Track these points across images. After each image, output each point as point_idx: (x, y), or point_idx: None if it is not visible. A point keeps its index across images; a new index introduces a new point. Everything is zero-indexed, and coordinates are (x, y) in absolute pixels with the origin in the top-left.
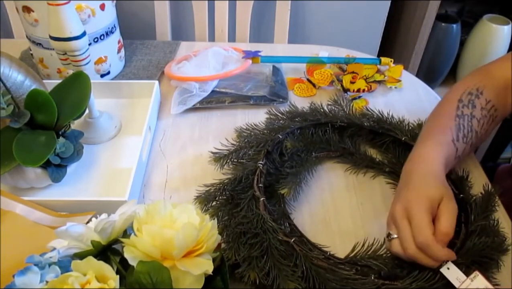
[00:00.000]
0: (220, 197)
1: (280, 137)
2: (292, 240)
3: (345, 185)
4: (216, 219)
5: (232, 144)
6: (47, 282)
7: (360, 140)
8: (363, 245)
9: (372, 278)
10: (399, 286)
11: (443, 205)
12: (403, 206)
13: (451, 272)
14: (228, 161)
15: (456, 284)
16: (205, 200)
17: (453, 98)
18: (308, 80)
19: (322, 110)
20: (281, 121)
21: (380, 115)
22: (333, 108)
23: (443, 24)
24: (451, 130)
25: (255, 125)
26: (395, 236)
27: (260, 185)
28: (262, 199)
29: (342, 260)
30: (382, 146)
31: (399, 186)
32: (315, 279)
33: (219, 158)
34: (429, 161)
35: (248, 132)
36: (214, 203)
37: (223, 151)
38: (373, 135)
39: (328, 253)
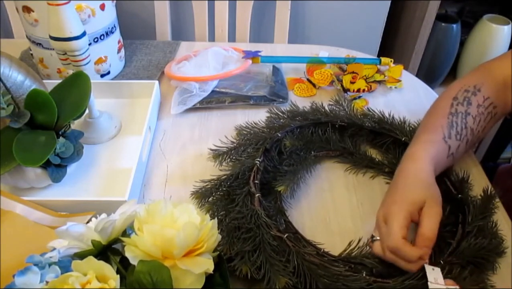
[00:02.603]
0: (216, 193)
1: (279, 135)
2: (285, 235)
3: (344, 185)
4: (211, 214)
5: (232, 141)
6: (47, 282)
7: (360, 140)
8: (358, 243)
9: (364, 275)
10: (390, 284)
11: (426, 208)
12: (384, 210)
13: (433, 273)
14: (227, 158)
15: (429, 284)
16: (202, 195)
17: (448, 96)
18: (308, 80)
19: (323, 109)
20: (281, 120)
21: (381, 116)
22: (334, 108)
23: (443, 24)
24: (442, 128)
25: (255, 123)
26: (378, 238)
27: (256, 181)
28: (257, 195)
29: (335, 258)
30: (383, 147)
31: (389, 188)
32: (306, 274)
33: (218, 155)
34: (416, 161)
35: (248, 130)
36: (210, 198)
37: (222, 148)
38: (373, 135)
39: (322, 250)
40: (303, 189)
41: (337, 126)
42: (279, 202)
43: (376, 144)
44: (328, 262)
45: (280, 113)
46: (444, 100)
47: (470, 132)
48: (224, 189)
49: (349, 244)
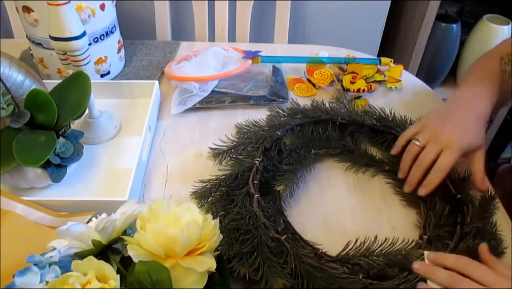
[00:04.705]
0: (216, 193)
1: (279, 134)
2: (283, 237)
3: (344, 183)
4: (211, 214)
5: (232, 140)
6: (47, 282)
7: (361, 138)
8: (355, 242)
9: (361, 277)
10: (386, 286)
11: (479, 154)
12: (448, 133)
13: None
14: (227, 157)
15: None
16: (201, 195)
17: (496, 54)
18: (308, 80)
19: (323, 107)
20: (282, 118)
21: (382, 113)
22: (335, 105)
23: (443, 24)
24: (498, 81)
25: (255, 122)
26: (418, 144)
27: (255, 182)
28: (256, 196)
29: (333, 258)
30: (383, 144)
31: (449, 108)
32: (303, 276)
33: (217, 154)
34: (484, 105)
35: (248, 128)
36: (209, 199)
37: (222, 147)
38: (374, 133)
39: (320, 251)
40: (302, 188)
41: (337, 123)
42: (278, 201)
43: (377, 142)
44: (325, 264)
45: (280, 111)
46: (494, 57)
47: (509, 92)
48: (223, 189)
49: (347, 244)
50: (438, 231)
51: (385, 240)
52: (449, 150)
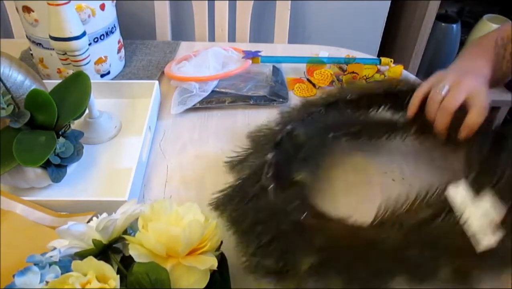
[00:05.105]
0: (234, 201)
1: (289, 127)
2: (302, 217)
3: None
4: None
5: (246, 148)
6: (47, 282)
7: (377, 108)
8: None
9: (394, 231)
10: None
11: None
12: (474, 82)
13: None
14: (244, 164)
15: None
16: (218, 206)
17: (492, 37)
18: (308, 80)
19: (334, 91)
20: (294, 113)
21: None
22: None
23: (443, 24)
24: (493, 61)
25: (265, 124)
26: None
27: (268, 175)
28: (271, 186)
29: (366, 227)
30: (402, 106)
31: (456, 67)
32: (331, 252)
33: (233, 165)
34: (485, 77)
35: (259, 133)
36: (228, 206)
37: (237, 158)
38: (390, 99)
39: (353, 222)
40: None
41: (350, 100)
42: (302, 191)
43: (397, 106)
44: (357, 230)
45: (290, 110)
46: (491, 39)
47: (500, 74)
48: (240, 193)
49: (379, 206)
50: (483, 165)
51: (427, 192)
52: (479, 94)
